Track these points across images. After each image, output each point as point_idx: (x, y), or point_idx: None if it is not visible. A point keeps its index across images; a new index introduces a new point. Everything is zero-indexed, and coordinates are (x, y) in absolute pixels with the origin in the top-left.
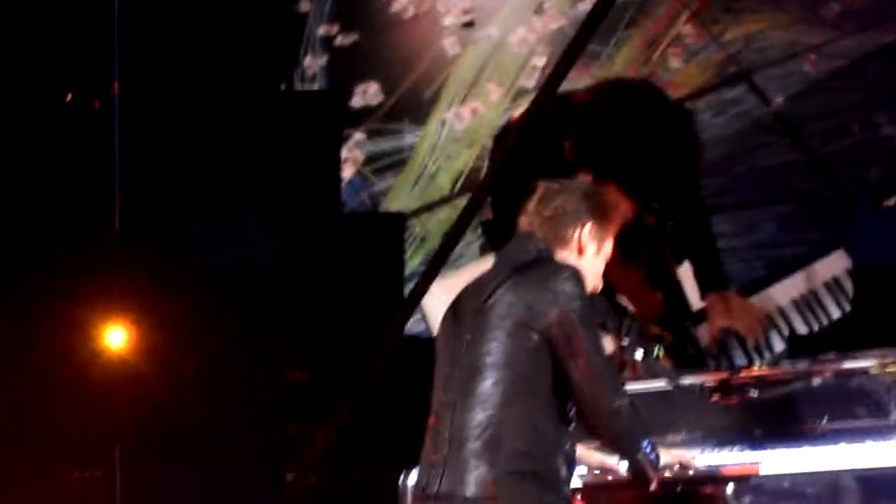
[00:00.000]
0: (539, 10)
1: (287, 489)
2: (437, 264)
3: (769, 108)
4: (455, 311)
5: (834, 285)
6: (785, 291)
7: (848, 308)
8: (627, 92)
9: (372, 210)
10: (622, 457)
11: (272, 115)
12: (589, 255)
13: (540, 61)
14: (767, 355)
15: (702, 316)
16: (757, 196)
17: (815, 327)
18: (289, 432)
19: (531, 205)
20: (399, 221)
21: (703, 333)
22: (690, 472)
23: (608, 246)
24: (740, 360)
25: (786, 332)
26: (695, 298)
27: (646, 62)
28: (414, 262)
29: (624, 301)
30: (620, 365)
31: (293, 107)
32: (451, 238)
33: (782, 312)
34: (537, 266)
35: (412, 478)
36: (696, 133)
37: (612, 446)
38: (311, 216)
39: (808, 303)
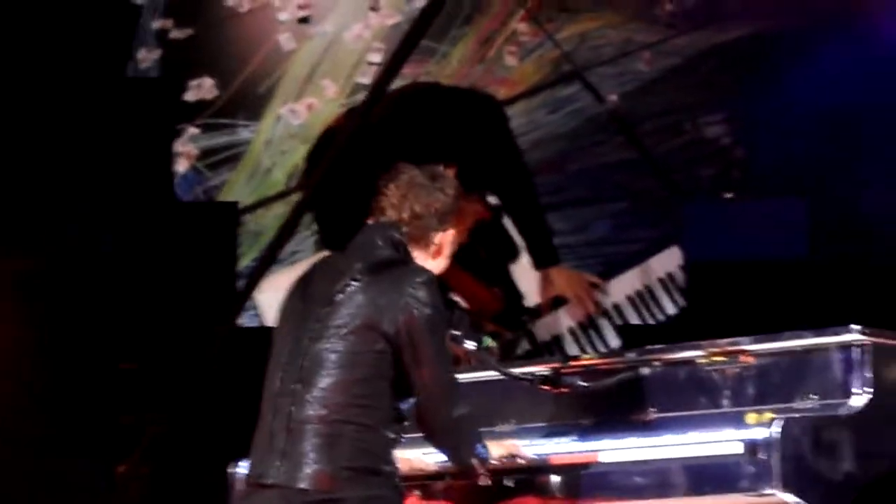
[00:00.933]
0: (375, 6)
1: (118, 480)
2: (269, 258)
3: (603, 106)
4: (302, 295)
5: (668, 280)
6: (620, 287)
7: (682, 302)
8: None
9: (205, 202)
10: (452, 461)
11: (104, 106)
12: (440, 257)
13: (376, 57)
14: (602, 349)
15: (539, 311)
16: (591, 194)
17: (651, 321)
18: (120, 422)
19: (399, 190)
20: (233, 214)
21: (541, 328)
22: (521, 462)
23: (456, 243)
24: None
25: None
26: (532, 293)
27: (481, 59)
28: (248, 257)
29: (455, 295)
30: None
31: (125, 97)
32: (284, 232)
33: (617, 308)
34: (393, 267)
35: (241, 468)
36: (502, 116)
37: (448, 454)
38: (143, 207)
39: (642, 298)
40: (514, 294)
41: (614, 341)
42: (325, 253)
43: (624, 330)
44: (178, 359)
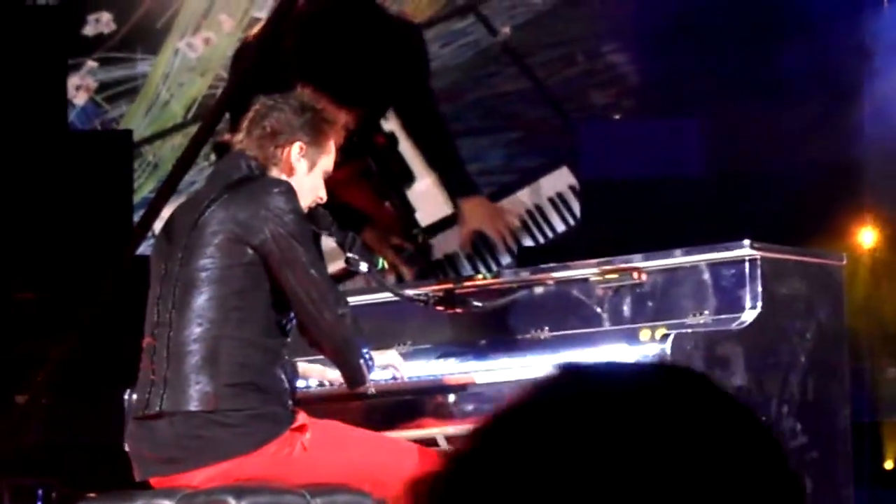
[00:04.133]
0: None
1: (16, 411)
2: (168, 188)
3: (496, 39)
4: (167, 230)
5: (558, 200)
6: (511, 207)
7: (572, 221)
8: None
9: (99, 130)
10: (341, 365)
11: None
12: (300, 173)
13: None
14: (495, 268)
15: (439, 226)
16: (485, 124)
17: (542, 240)
18: (17, 351)
19: (245, 122)
20: (127, 142)
21: (438, 244)
22: (405, 379)
23: (326, 161)
24: (467, 272)
25: (513, 246)
26: (435, 210)
27: None
28: (145, 188)
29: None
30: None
31: (20, 25)
32: (183, 162)
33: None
34: (249, 182)
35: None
36: (420, 42)
37: (333, 356)
38: (36, 137)
39: (533, 217)
40: (408, 211)
41: (507, 259)
42: None
43: (518, 249)
44: (76, 288)
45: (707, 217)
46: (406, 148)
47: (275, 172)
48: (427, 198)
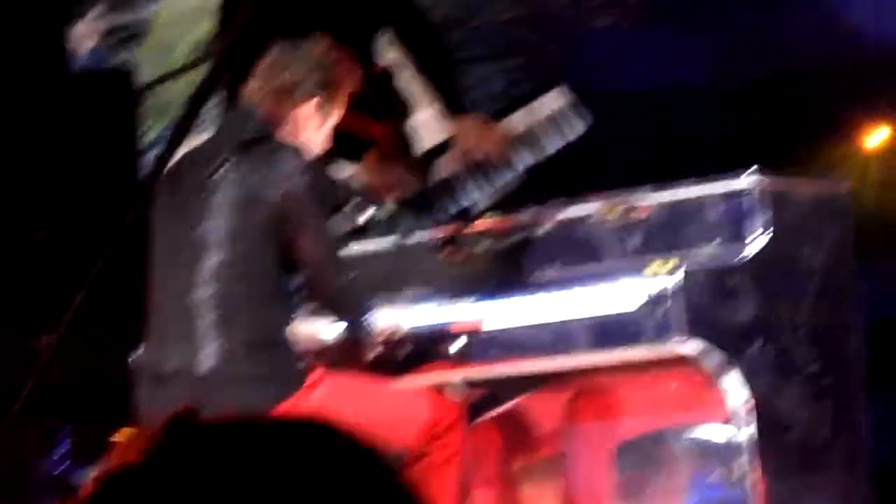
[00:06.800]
0: None
1: (40, 351)
2: (182, 129)
3: None
4: (173, 188)
5: (555, 118)
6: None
7: (571, 138)
8: None
9: (102, 73)
10: (347, 328)
11: None
12: (311, 128)
13: None
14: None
15: (438, 150)
16: (486, 52)
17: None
18: (36, 290)
19: (259, 70)
20: (127, 82)
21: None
22: (418, 331)
23: (338, 114)
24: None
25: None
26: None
27: None
28: (154, 132)
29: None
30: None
31: None
32: (195, 102)
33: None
34: (259, 144)
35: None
36: None
37: (341, 316)
38: (39, 81)
39: (533, 137)
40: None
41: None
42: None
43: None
44: (92, 227)
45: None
46: (406, 78)
47: (286, 129)
48: (427, 127)
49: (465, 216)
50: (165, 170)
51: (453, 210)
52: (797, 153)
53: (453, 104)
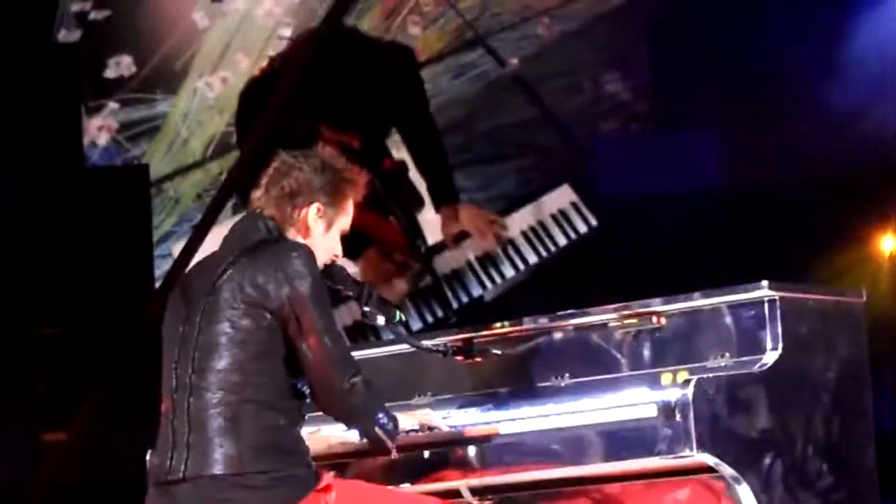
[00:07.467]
0: None
1: (45, 448)
2: (202, 232)
3: (505, 70)
4: (183, 293)
5: (560, 217)
6: (514, 224)
7: (574, 236)
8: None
9: (117, 167)
10: (359, 433)
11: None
12: (317, 233)
13: (286, 32)
14: (499, 280)
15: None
16: (496, 152)
17: (545, 254)
18: (41, 386)
19: (264, 179)
20: (143, 177)
21: (442, 263)
22: (438, 430)
23: (344, 220)
24: (476, 288)
25: (517, 260)
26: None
27: (387, 30)
28: (167, 224)
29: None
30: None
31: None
32: (208, 216)
33: (513, 242)
34: (266, 246)
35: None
36: (413, 63)
37: (347, 423)
38: (56, 175)
39: (536, 233)
40: (416, 230)
41: (510, 272)
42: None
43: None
44: (103, 324)
45: (724, 230)
46: (416, 175)
47: (292, 233)
48: (436, 223)
49: (475, 318)
50: (179, 280)
51: (461, 302)
52: (810, 261)
53: (444, 185)
